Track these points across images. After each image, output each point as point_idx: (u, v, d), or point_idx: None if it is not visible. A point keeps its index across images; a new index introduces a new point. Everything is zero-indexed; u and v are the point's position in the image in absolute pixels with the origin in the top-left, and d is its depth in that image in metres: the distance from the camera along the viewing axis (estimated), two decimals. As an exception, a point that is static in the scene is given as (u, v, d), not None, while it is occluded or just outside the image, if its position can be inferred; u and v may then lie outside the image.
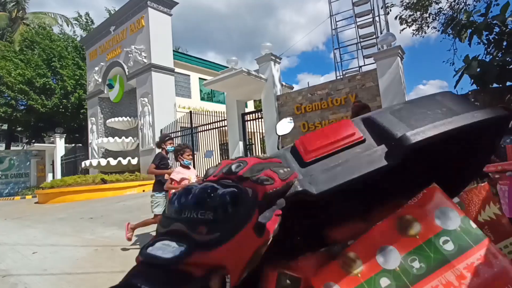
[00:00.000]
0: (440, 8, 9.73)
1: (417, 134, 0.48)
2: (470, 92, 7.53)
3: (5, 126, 21.67)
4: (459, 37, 4.52)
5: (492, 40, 3.58)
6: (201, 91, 16.63)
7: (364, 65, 10.79)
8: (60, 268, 3.80)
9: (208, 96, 17.17)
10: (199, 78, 16.05)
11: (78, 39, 19.39)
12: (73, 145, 18.72)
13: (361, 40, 11.00)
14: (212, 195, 0.33)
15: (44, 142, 19.62)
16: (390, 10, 9.93)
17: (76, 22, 20.61)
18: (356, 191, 0.70)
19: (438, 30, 10.15)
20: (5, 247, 4.95)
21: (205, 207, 0.32)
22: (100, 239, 4.92)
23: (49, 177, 18.56)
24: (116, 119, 13.18)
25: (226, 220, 0.31)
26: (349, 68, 11.36)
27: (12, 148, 23.26)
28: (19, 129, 21.71)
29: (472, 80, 3.60)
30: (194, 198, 0.33)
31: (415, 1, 9.30)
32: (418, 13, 9.74)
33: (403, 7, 9.61)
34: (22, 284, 3.30)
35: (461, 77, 3.69)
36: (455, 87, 3.65)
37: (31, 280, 3.41)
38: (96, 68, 14.73)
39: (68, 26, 21.15)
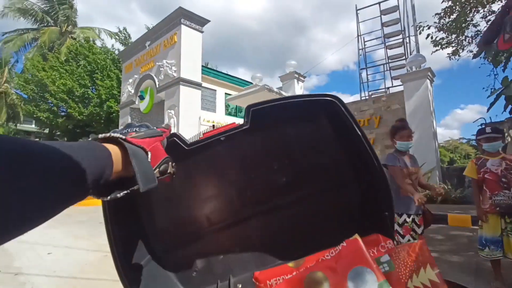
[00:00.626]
0: (478, 31, 9.23)
1: None
2: (506, 120, 6.98)
3: (46, 130, 23.44)
4: (493, 61, 4.23)
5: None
6: (228, 106, 16.97)
7: (392, 87, 10.46)
8: (68, 271, 3.91)
9: (235, 111, 17.48)
10: (225, 93, 16.42)
11: (116, 52, 20.76)
12: (104, 151, 19.65)
13: (390, 61, 10.72)
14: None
15: (79, 147, 20.84)
16: (422, 31, 9.57)
17: (116, 36, 22.20)
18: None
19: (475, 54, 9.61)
20: (25, 245, 5.22)
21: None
22: (111, 245, 5.02)
23: (80, 180, 19.55)
24: (144, 129, 13.72)
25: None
26: (376, 89, 11.06)
27: (51, 151, 24.86)
28: (58, 133, 23.38)
29: (510, 105, 3.31)
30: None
31: (450, 23, 8.90)
32: (454, 35, 9.30)
33: (436, 29, 9.24)
34: (29, 283, 3.43)
35: (496, 99, 3.41)
36: (487, 110, 3.37)
37: (38, 280, 3.54)
38: (130, 80, 15.61)
39: (111, 38, 22.83)
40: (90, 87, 19.30)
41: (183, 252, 1.05)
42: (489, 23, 8.68)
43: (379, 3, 10.71)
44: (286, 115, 0.96)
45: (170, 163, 0.65)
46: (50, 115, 19.47)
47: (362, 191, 1.00)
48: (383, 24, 10.78)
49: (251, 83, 10.82)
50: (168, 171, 0.64)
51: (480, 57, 8.17)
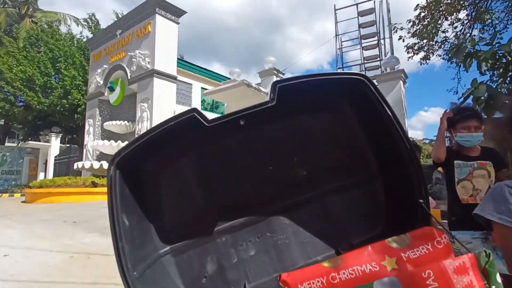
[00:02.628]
0: (446, 36, 9.82)
1: None
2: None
3: (2, 122, 21.47)
4: (464, 64, 4.46)
5: (497, 68, 3.49)
6: (204, 101, 16.59)
7: (366, 87, 10.76)
8: (29, 275, 3.55)
9: (210, 106, 17.12)
10: (202, 88, 16.03)
11: (84, 40, 19.49)
12: (68, 145, 18.47)
13: (365, 61, 11.05)
14: None
15: (39, 140, 19.38)
16: (396, 31, 9.95)
17: (85, 23, 20.80)
18: None
19: (443, 58, 10.20)
20: (-23, 246, 4.69)
21: None
22: (79, 245, 4.67)
23: (41, 176, 18.23)
24: (114, 122, 13.05)
25: None
26: (350, 89, 11.32)
27: (7, 144, 22.97)
28: (15, 125, 21.51)
29: (477, 106, 3.49)
30: None
31: (421, 28, 9.36)
32: (425, 40, 9.80)
33: (410, 34, 9.67)
34: (-16, 289, 3.06)
35: (465, 99, 3.58)
36: (461, 102, 3.52)
37: (-5, 285, 3.17)
38: (99, 70, 14.72)
39: (78, 26, 21.34)
40: (53, 76, 17.92)
41: (191, 254, 0.92)
42: (456, 29, 9.27)
43: (356, 4, 10.98)
44: (309, 96, 0.87)
45: None
46: (5, 105, 17.83)
47: (390, 180, 0.93)
48: (360, 26, 11.07)
49: (228, 78, 10.62)
50: None
51: (450, 61, 8.68)
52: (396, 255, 0.69)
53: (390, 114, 0.80)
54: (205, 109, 16.55)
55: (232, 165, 0.94)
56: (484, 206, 0.84)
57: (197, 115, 0.75)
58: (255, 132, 0.90)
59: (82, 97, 17.09)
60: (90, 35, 19.29)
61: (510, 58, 3.58)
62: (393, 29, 9.58)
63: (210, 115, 0.81)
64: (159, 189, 0.90)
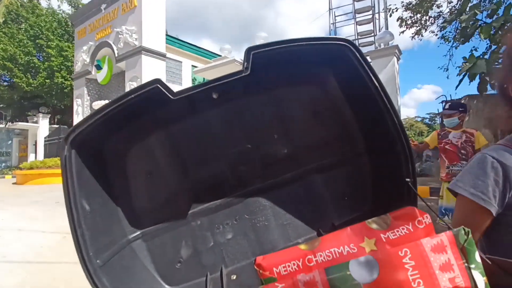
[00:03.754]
0: (441, 11, 9.57)
1: None
2: (464, 97, 7.43)
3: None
4: (461, 33, 4.31)
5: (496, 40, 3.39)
6: (195, 79, 16.23)
7: (360, 63, 10.58)
8: (21, 255, 3.54)
9: (201, 84, 16.79)
10: (192, 66, 15.61)
11: (63, 15, 18.55)
12: (57, 126, 18.11)
13: (359, 37, 10.78)
14: None
15: (27, 121, 18.94)
16: (393, 13, 9.69)
17: (65, -3, 19.73)
18: None
19: (436, 35, 10.00)
20: (-33, 229, 4.65)
21: None
22: (71, 226, 4.66)
23: (31, 157, 17.99)
24: (103, 101, 12.71)
25: None
26: (344, 65, 11.13)
27: (-6, 125, 22.41)
28: (1, 106, 20.91)
29: (475, 81, 3.43)
30: None
31: (416, 2, 9.08)
32: (419, 15, 9.55)
33: (403, 7, 9.40)
34: (-27, 271, 3.04)
35: (464, 76, 3.50)
36: (456, 88, 3.48)
37: (-16, 267, 3.15)
38: (85, 48, 14.13)
39: (58, 1, 20.26)
40: (36, 55, 17.19)
41: (163, 238, 0.86)
42: (450, 4, 9.02)
43: (351, -24, 10.56)
44: (289, 66, 0.78)
45: None
46: (-11, 85, 17.22)
47: (376, 158, 0.87)
48: (354, -1, 10.70)
49: (219, 55, 10.30)
50: None
51: (442, 37, 8.51)
52: (375, 236, 0.64)
53: (377, 85, 0.73)
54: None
55: (206, 143, 0.87)
56: (459, 178, 0.77)
57: (160, 87, 0.67)
58: (230, 106, 0.82)
59: (69, 77, 16.55)
60: (69, 11, 18.38)
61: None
62: (389, 11, 9.28)
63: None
64: (126, 169, 0.83)
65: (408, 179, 0.75)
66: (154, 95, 0.68)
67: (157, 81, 0.67)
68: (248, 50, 0.67)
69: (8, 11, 17.55)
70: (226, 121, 0.84)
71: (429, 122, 32.48)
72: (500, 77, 0.79)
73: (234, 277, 0.82)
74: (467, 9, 3.82)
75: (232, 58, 8.10)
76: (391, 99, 0.74)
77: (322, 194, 0.92)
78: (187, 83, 15.84)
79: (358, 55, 0.70)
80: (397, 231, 0.65)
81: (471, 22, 3.46)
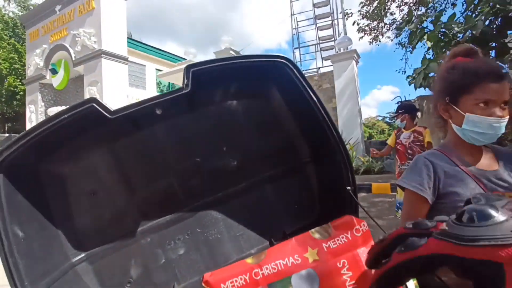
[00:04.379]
0: (394, 19, 10.26)
1: None
2: (416, 99, 7.98)
3: None
4: (410, 39, 4.64)
5: (440, 46, 3.70)
6: (160, 82, 15.79)
7: (323, 67, 10.97)
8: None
9: (167, 89, 16.37)
10: (156, 69, 15.19)
11: (10, 15, 17.23)
12: (7, 134, 16.67)
13: (320, 41, 11.17)
14: None
15: (-27, 131, 17.24)
16: (349, 17, 10.18)
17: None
18: None
19: (392, 40, 10.67)
20: None
21: None
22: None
23: (-22, 170, 16.40)
24: (59, 107, 11.91)
25: None
26: (308, 69, 11.49)
27: None
28: None
29: (425, 83, 3.71)
30: None
31: (371, 10, 9.63)
32: (375, 22, 10.14)
33: (361, 15, 9.92)
34: None
35: (415, 77, 3.78)
36: (415, 89, 3.75)
37: None
38: (38, 51, 13.18)
39: (4, 1, 18.73)
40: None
41: (111, 259, 0.83)
42: (402, 12, 9.70)
43: (311, -18, 10.92)
44: (231, 81, 0.80)
45: None
46: None
47: (320, 167, 0.91)
48: (314, 5, 11.07)
49: (184, 58, 10.14)
50: None
51: (398, 43, 9.10)
52: (318, 246, 0.68)
53: (315, 99, 0.77)
54: (161, 91, 15.81)
55: (154, 158, 0.85)
56: (403, 176, 0.91)
57: (96, 106, 0.65)
58: (176, 121, 0.82)
59: (20, 82, 15.33)
60: (20, 11, 17.10)
61: (451, 35, 3.80)
62: (345, 15, 9.74)
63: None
64: (67, 190, 0.79)
65: (348, 187, 0.80)
66: (90, 114, 0.66)
67: (93, 100, 0.65)
68: (187, 68, 0.68)
69: None
70: (172, 136, 0.84)
71: (389, 121, 34.44)
72: (433, 97, 0.92)
73: None
74: (413, 18, 4.14)
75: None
76: (352, 100, 0.79)
77: (273, 203, 0.94)
78: (151, 87, 15.37)
79: (295, 71, 0.74)
80: (337, 240, 0.69)
81: (418, 30, 3.75)
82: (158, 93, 15.71)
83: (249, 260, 0.69)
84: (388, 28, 10.47)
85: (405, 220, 0.88)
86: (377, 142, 10.70)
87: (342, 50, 8.67)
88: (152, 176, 0.86)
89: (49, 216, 0.75)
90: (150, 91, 15.14)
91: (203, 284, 0.67)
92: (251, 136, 0.90)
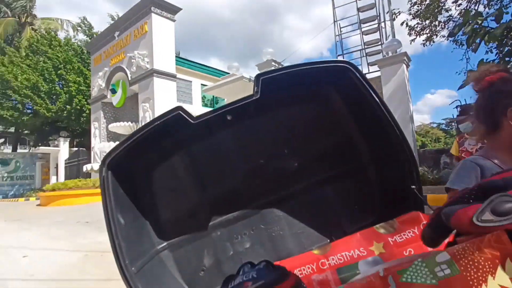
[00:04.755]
0: (450, 15, 9.48)
1: None
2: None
3: (12, 129, 21.88)
4: (467, 43, 4.31)
5: (505, 44, 3.38)
6: (204, 97, 16.62)
7: (369, 73, 10.59)
8: (47, 273, 3.66)
9: (211, 102, 17.15)
10: (201, 84, 16.03)
11: (79, 43, 19.64)
12: (76, 148, 18.77)
13: (366, 46, 10.85)
14: None
15: (49, 146, 19.73)
16: (396, 17, 9.72)
17: (79, 28, 20.92)
18: None
19: (447, 39, 9.88)
20: (-4, 250, 4.86)
21: None
22: (92, 244, 4.79)
23: (53, 179, 18.60)
24: (118, 124, 13.16)
25: None
26: (353, 75, 11.14)
27: (19, 150, 23.47)
28: (25, 132, 21.91)
29: None
30: None
31: (423, 8, 9.07)
32: (427, 21, 9.49)
33: (411, 16, 9.39)
34: (5, 290, 3.18)
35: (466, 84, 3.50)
36: (458, 89, 3.47)
37: (15, 285, 3.29)
38: (100, 73, 14.81)
39: (74, 31, 21.47)
40: (57, 82, 18.13)
41: (187, 249, 0.94)
42: (459, 7, 8.97)
43: (354, -12, 10.75)
44: (295, 87, 0.87)
45: None
46: (14, 113, 18.14)
47: (381, 168, 0.93)
48: (358, 9, 10.84)
49: (227, 73, 10.57)
50: None
51: (454, 41, 8.44)
52: (383, 240, 0.70)
53: (377, 100, 0.80)
54: (206, 105, 16.59)
55: (223, 160, 0.96)
56: (452, 178, 0.92)
57: (182, 113, 0.76)
58: (243, 126, 0.91)
59: (86, 102, 17.31)
60: (86, 39, 19.42)
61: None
62: (393, 14, 9.34)
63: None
64: (153, 187, 0.92)
65: (413, 186, 0.81)
66: (176, 121, 0.77)
67: (179, 108, 0.76)
68: (258, 76, 0.77)
69: (29, 44, 18.69)
70: (239, 139, 0.93)
71: (446, 128, 31.65)
72: (487, 105, 0.92)
73: None
74: (469, 19, 3.86)
75: (240, 75, 8.30)
76: (402, 106, 0.82)
77: (333, 203, 0.98)
78: (197, 101, 16.22)
79: (358, 75, 0.78)
80: (403, 235, 0.71)
81: (476, 31, 3.49)
82: (203, 107, 16.54)
83: (315, 251, 0.74)
84: (443, 27, 9.72)
85: None
86: (431, 151, 9.91)
87: (390, 54, 8.31)
88: (221, 176, 0.96)
89: (140, 208, 0.88)
90: (196, 105, 15.99)
91: None
92: (312, 138, 0.96)
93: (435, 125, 33.77)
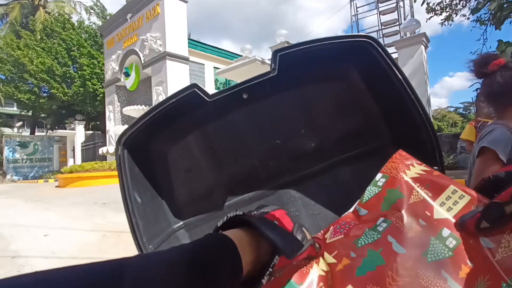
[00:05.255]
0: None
1: None
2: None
3: (29, 113, 22.56)
4: (493, 20, 4.06)
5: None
6: (217, 80, 16.53)
7: (385, 54, 10.22)
8: (68, 251, 3.84)
9: (223, 86, 17.06)
10: (214, 67, 15.91)
11: (93, 27, 19.68)
12: (92, 132, 19.21)
13: (383, 27, 10.44)
14: None
15: (65, 129, 20.27)
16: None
17: (92, 10, 20.91)
18: None
19: (468, 18, 9.38)
20: (20, 228, 5.10)
21: None
22: (110, 224, 4.97)
23: (70, 162, 19.23)
24: (132, 107, 13.33)
25: None
26: (368, 57, 10.82)
27: (36, 133, 24.25)
28: (42, 115, 22.52)
29: None
30: None
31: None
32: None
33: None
34: (28, 266, 3.35)
35: None
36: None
37: (37, 262, 3.46)
38: (113, 56, 14.88)
39: (86, 14, 21.49)
40: (71, 66, 18.37)
41: (203, 228, 0.95)
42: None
43: (372, -35, 10.23)
44: (313, 64, 0.83)
45: (303, 229, 0.53)
46: (31, 96, 18.60)
47: (402, 148, 0.89)
48: (376, -12, 10.37)
49: (240, 55, 10.43)
50: (308, 238, 0.52)
51: (476, 20, 7.99)
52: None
53: (400, 77, 0.75)
54: (218, 89, 16.53)
55: (239, 140, 0.94)
56: (492, 140, 0.98)
57: (197, 91, 0.74)
58: (259, 105, 0.88)
59: (100, 85, 17.53)
60: (98, 22, 19.43)
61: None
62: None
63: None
64: (169, 167, 0.92)
65: (436, 167, 0.77)
66: (191, 99, 0.75)
67: (194, 85, 0.74)
68: (275, 52, 0.73)
69: (44, 26, 18.87)
70: (255, 119, 0.91)
71: (463, 112, 30.61)
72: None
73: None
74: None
75: (253, 57, 8.17)
76: (420, 89, 0.77)
77: (350, 184, 0.96)
78: (210, 85, 16.16)
79: (380, 50, 0.74)
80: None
81: (502, 7, 3.27)
82: (216, 90, 16.40)
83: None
84: (464, 5, 9.23)
85: (478, 177, 0.96)
86: (448, 135, 9.65)
87: (408, 35, 7.97)
88: (237, 156, 0.95)
89: (157, 188, 0.88)
90: (209, 89, 15.94)
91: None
92: (330, 118, 0.92)
93: (452, 109, 32.76)
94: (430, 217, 0.50)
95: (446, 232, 0.47)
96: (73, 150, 19.45)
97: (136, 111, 13.38)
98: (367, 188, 0.65)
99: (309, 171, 0.96)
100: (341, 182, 0.96)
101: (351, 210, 0.67)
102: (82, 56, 17.86)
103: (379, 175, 0.65)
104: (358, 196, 0.97)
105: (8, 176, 19.74)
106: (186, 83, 12.70)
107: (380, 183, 0.63)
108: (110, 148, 12.82)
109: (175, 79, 12.12)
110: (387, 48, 0.78)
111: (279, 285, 0.51)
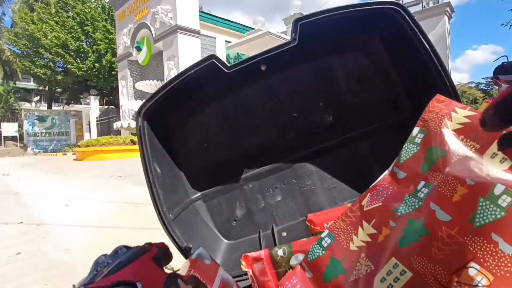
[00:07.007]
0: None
1: None
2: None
3: (46, 87, 23.02)
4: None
5: None
6: (228, 55, 16.23)
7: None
8: (88, 220, 4.05)
9: (235, 60, 16.75)
10: (226, 41, 15.57)
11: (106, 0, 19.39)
12: (106, 106, 19.54)
13: (404, -3, 9.82)
14: None
15: (80, 103, 20.67)
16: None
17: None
18: None
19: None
20: (42, 198, 5.38)
21: None
22: (126, 196, 5.17)
23: (86, 136, 19.79)
24: (144, 82, 13.35)
25: None
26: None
27: (53, 108, 24.88)
28: (58, 90, 22.95)
29: None
30: None
31: None
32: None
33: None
34: (54, 232, 3.57)
35: None
36: None
37: (61, 230, 3.68)
38: (125, 30, 14.72)
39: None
40: (84, 40, 18.35)
41: (220, 200, 0.97)
42: None
43: None
44: (335, 34, 0.79)
45: (179, 280, 0.47)
46: (47, 71, 18.87)
47: None
48: (399, -46, 9.65)
49: (252, 28, 10.13)
50: None
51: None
52: None
53: (428, 48, 0.71)
54: (229, 63, 16.25)
55: (255, 113, 0.93)
56: None
57: (216, 62, 0.73)
58: (277, 77, 0.87)
59: (114, 60, 17.57)
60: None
61: None
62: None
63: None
64: (187, 139, 0.93)
65: None
66: (210, 70, 0.74)
67: (213, 56, 0.73)
68: (296, 21, 0.70)
69: (57, 0, 18.71)
70: (273, 91, 0.90)
71: (486, 88, 29.19)
72: None
73: (285, 234, 0.91)
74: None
75: (266, 30, 7.93)
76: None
77: (368, 159, 0.95)
78: (222, 59, 15.91)
79: (408, 18, 0.69)
80: None
81: None
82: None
83: (349, 205, 0.73)
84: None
85: None
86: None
87: (431, 5, 7.50)
88: (253, 129, 0.95)
89: (175, 159, 0.90)
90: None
91: (307, 223, 0.75)
92: (349, 91, 0.90)
93: (473, 85, 31.28)
94: (479, 175, 0.43)
95: (499, 188, 0.40)
96: (89, 124, 19.93)
97: (149, 86, 13.41)
98: (404, 146, 0.59)
99: (326, 145, 0.95)
100: (359, 157, 0.95)
101: (388, 171, 0.61)
102: (97, 31, 17.77)
103: (416, 130, 0.58)
104: (375, 170, 0.96)
105: (29, 149, 20.57)
106: (197, 57, 12.53)
107: (418, 140, 0.57)
108: (124, 122, 13.04)
109: (186, 54, 11.97)
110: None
111: (324, 262, 0.51)
